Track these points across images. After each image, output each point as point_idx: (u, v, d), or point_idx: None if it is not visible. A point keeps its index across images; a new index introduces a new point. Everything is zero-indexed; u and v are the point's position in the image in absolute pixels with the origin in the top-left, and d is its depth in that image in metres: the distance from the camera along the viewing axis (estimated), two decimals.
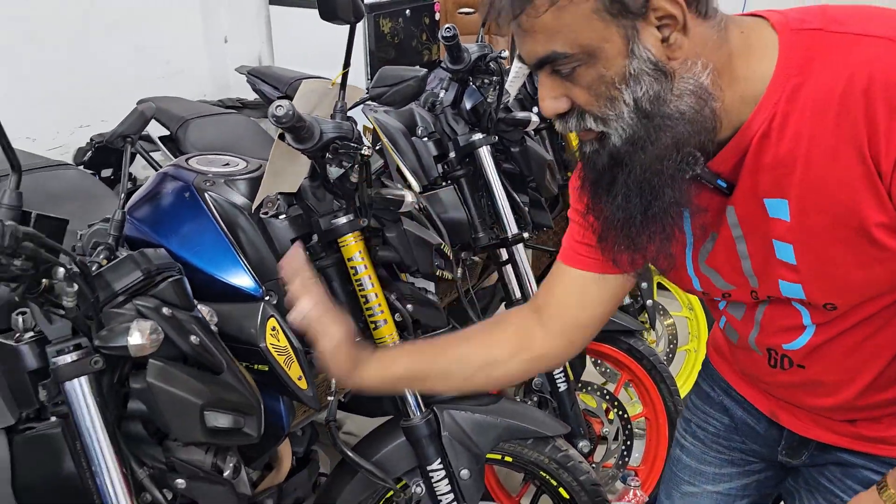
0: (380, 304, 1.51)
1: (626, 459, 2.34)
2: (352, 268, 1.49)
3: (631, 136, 0.88)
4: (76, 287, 0.98)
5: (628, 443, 2.33)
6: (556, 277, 1.18)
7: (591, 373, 2.42)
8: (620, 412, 2.32)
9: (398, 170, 1.97)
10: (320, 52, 2.43)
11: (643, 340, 2.31)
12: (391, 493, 1.65)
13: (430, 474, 1.56)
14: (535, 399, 2.13)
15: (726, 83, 0.89)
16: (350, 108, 1.58)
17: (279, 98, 2.23)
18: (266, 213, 1.47)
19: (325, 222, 1.47)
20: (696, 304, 2.89)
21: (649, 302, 2.57)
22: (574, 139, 2.37)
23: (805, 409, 1.14)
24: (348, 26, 1.49)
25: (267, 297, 1.40)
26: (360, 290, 1.50)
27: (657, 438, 2.36)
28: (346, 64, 1.52)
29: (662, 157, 0.88)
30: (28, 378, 1.07)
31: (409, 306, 1.56)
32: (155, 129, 2.62)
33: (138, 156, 2.50)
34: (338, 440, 1.51)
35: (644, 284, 2.56)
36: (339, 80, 1.54)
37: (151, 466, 1.12)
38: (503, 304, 2.29)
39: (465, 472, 1.58)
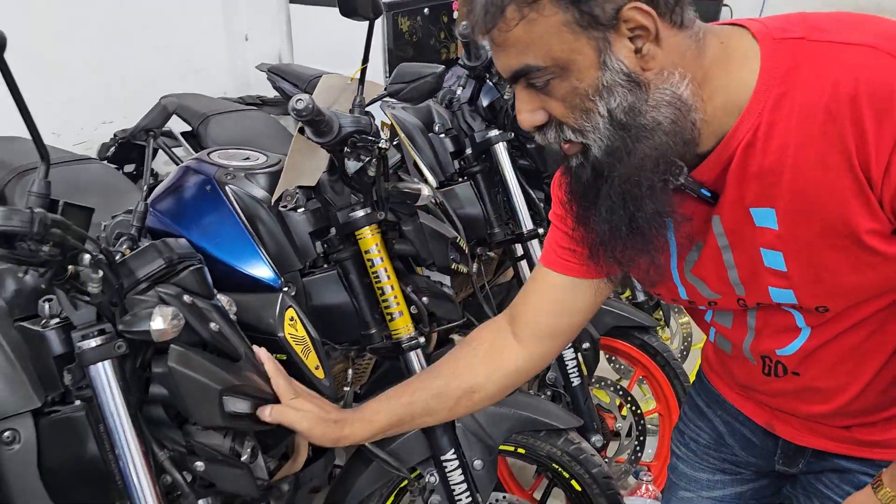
0: (396, 297, 1.53)
1: (639, 455, 2.34)
2: (368, 260, 1.51)
3: (608, 146, 0.88)
4: (101, 273, 1.00)
5: (641, 438, 2.33)
6: (535, 283, 1.18)
7: (604, 368, 2.42)
8: (634, 408, 2.31)
9: (415, 165, 1.99)
10: (340, 51, 2.46)
11: (657, 337, 2.31)
12: (405, 482, 1.66)
13: (444, 464, 1.57)
14: (549, 393, 2.15)
15: (707, 94, 0.88)
16: (368, 105, 1.60)
17: None
18: (285, 206, 1.49)
19: (342, 215, 1.49)
20: None
21: None
22: None
23: (800, 417, 1.14)
24: (367, 23, 1.52)
25: (286, 288, 1.43)
26: (376, 283, 1.52)
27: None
28: (365, 59, 1.55)
29: (641, 167, 0.88)
30: (54, 362, 1.09)
31: (424, 299, 1.58)
32: (177, 126, 2.67)
33: (160, 152, 2.55)
34: None
35: None
36: (357, 76, 1.56)
37: (172, 449, 1.14)
38: None
39: (478, 463, 1.60)
